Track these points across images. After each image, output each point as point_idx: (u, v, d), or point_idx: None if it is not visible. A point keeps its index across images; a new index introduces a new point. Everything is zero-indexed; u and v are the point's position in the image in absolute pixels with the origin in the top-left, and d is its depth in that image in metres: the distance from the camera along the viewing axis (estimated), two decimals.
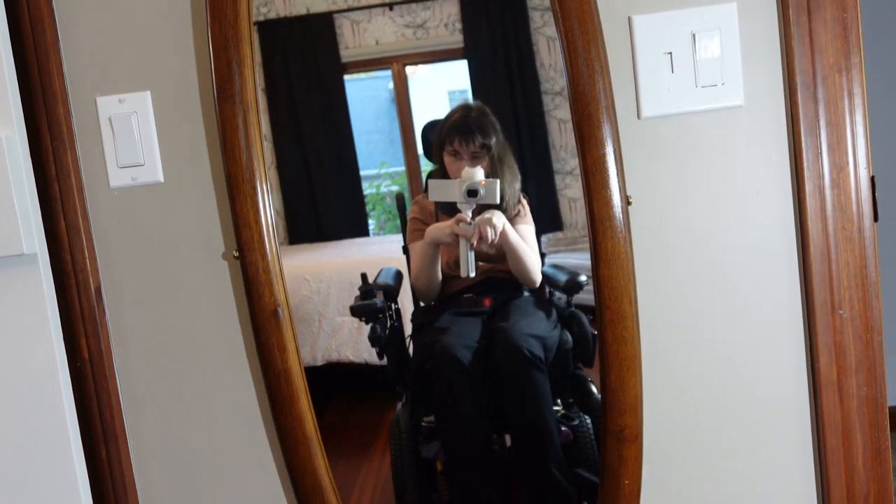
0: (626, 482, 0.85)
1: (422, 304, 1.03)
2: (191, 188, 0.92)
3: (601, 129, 0.82)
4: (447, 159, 0.95)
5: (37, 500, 0.86)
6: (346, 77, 1.02)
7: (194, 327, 0.94)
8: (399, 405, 1.02)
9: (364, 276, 1.00)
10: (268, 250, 0.86)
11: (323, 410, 0.89)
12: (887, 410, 0.87)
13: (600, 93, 0.82)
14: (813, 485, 0.92)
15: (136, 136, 0.91)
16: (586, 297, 0.95)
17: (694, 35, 0.86)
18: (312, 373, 1.03)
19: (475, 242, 0.92)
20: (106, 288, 0.94)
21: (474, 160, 0.94)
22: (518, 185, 0.96)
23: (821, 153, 0.85)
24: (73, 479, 0.86)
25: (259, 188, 0.85)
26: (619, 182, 0.83)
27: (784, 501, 0.92)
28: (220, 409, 0.96)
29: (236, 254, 0.86)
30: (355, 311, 1.01)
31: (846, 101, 0.84)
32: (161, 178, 0.92)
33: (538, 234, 0.97)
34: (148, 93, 0.91)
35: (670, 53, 0.87)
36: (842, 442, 0.87)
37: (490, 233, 0.92)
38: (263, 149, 0.86)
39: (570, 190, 0.99)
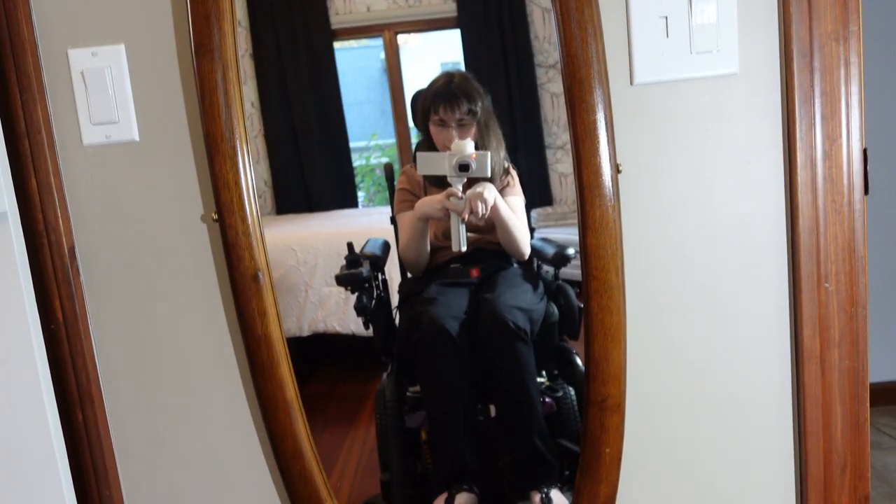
0: (608, 450, 0.86)
1: (409, 274, 1.02)
2: (168, 148, 0.89)
3: (593, 94, 0.80)
4: (433, 129, 0.94)
5: (13, 465, 0.85)
6: (337, 45, 1.00)
7: (172, 291, 0.92)
8: (385, 375, 1.02)
9: (350, 246, 0.99)
10: (248, 213, 0.83)
11: (309, 380, 0.89)
12: (868, 384, 0.87)
13: (593, 57, 0.80)
14: (791, 455, 0.93)
15: (110, 92, 0.88)
16: (574, 271, 0.95)
17: None
18: (299, 343, 1.02)
19: (466, 217, 0.91)
20: (80, 249, 0.91)
21: (461, 128, 0.92)
22: (503, 153, 0.95)
23: (814, 124, 0.84)
24: (49, 442, 0.85)
25: (239, 148, 0.82)
26: (609, 149, 0.81)
27: (762, 471, 0.93)
28: (199, 375, 0.95)
29: (215, 216, 0.84)
30: (341, 280, 1.00)
31: (842, 71, 0.82)
32: (136, 137, 0.89)
33: (528, 209, 0.96)
34: (122, 46, 0.87)
35: (666, 17, 0.84)
36: (821, 413, 0.88)
37: (481, 207, 0.91)
38: (244, 108, 0.83)
39: (560, 164, 0.98)
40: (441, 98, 0.92)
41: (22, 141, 0.86)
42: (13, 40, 0.84)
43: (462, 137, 0.92)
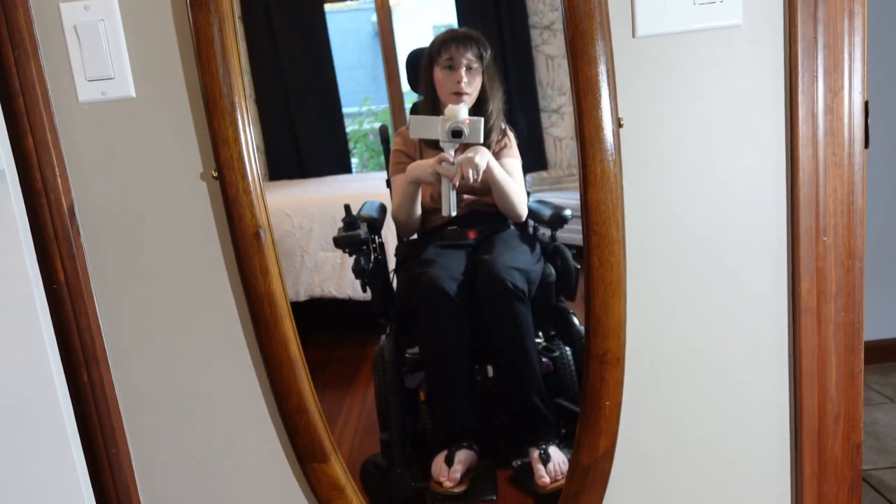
0: (607, 403, 0.87)
1: (404, 238, 1.02)
2: (165, 104, 0.88)
3: (595, 47, 0.79)
4: (440, 75, 0.92)
5: (22, 426, 0.86)
6: (327, 7, 0.98)
7: (173, 249, 0.92)
8: (383, 337, 1.02)
9: (347, 208, 0.99)
10: (248, 170, 0.83)
11: (306, 345, 0.89)
12: (863, 335, 0.89)
13: (595, 8, 0.79)
14: (786, 405, 0.95)
15: (105, 47, 0.86)
16: (569, 235, 0.95)
17: None
18: (295, 308, 1.02)
19: (457, 182, 0.91)
20: (79, 208, 0.91)
21: (470, 72, 0.91)
22: (503, 108, 0.94)
23: (816, 77, 0.83)
24: (56, 403, 0.86)
25: (238, 104, 0.81)
26: (611, 103, 0.81)
27: (758, 420, 0.95)
28: (203, 333, 0.95)
29: (215, 174, 0.84)
30: (339, 242, 1.00)
31: (846, 22, 0.81)
32: (133, 93, 0.88)
33: (523, 173, 0.96)
34: None
35: None
36: (817, 364, 0.89)
37: (472, 173, 0.91)
38: (241, 63, 0.82)
39: (555, 128, 0.97)
40: (451, 40, 0.91)
41: (17, 98, 0.84)
42: None
43: (470, 82, 0.91)
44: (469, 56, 0.91)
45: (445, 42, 0.91)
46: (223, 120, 0.81)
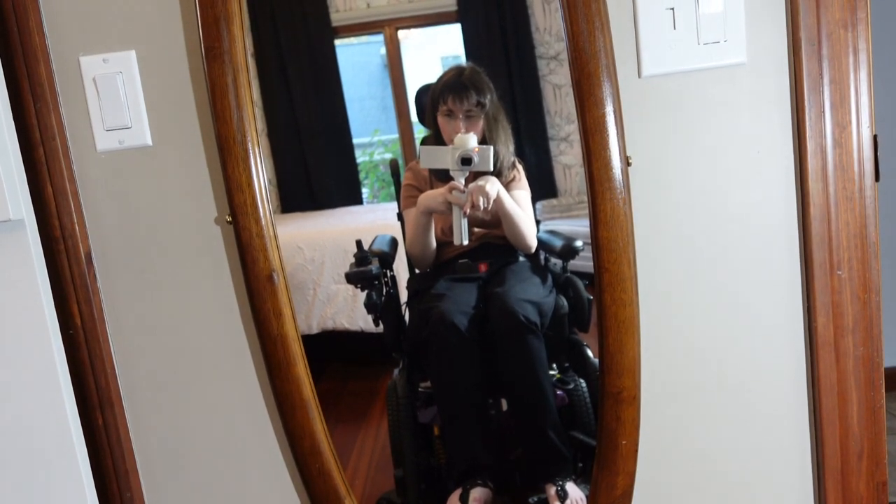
0: (624, 442, 0.86)
1: (417, 270, 1.02)
2: (180, 151, 0.90)
3: (601, 88, 0.80)
4: (441, 121, 0.94)
5: (37, 468, 0.86)
6: (337, 42, 1.00)
7: (188, 293, 0.93)
8: (396, 371, 1.02)
9: (359, 243, 0.99)
10: (261, 215, 0.84)
11: (319, 378, 0.89)
12: (883, 370, 0.87)
13: (601, 50, 0.80)
14: (807, 443, 0.93)
15: (122, 98, 0.88)
16: (581, 263, 0.95)
17: None
18: (308, 341, 1.02)
19: (468, 210, 0.92)
20: (96, 254, 0.92)
21: (469, 119, 0.92)
22: (512, 147, 0.95)
23: (823, 112, 0.84)
24: (70, 446, 0.86)
25: (251, 150, 0.83)
26: (619, 143, 0.81)
27: (779, 459, 0.94)
28: (217, 375, 0.95)
29: (229, 219, 0.85)
30: (351, 278, 1.00)
31: (851, 58, 0.82)
32: (149, 142, 0.90)
33: (532, 201, 0.96)
34: (133, 52, 0.88)
35: (672, 9, 0.84)
36: (837, 401, 0.88)
37: (482, 201, 0.91)
38: (253, 97, 0.84)
39: (564, 156, 0.98)
40: (450, 89, 0.93)
41: (37, 149, 0.86)
42: (25, 49, 0.85)
43: (469, 129, 0.92)
44: (467, 106, 0.92)
45: (444, 91, 0.93)
46: (237, 166, 0.83)
